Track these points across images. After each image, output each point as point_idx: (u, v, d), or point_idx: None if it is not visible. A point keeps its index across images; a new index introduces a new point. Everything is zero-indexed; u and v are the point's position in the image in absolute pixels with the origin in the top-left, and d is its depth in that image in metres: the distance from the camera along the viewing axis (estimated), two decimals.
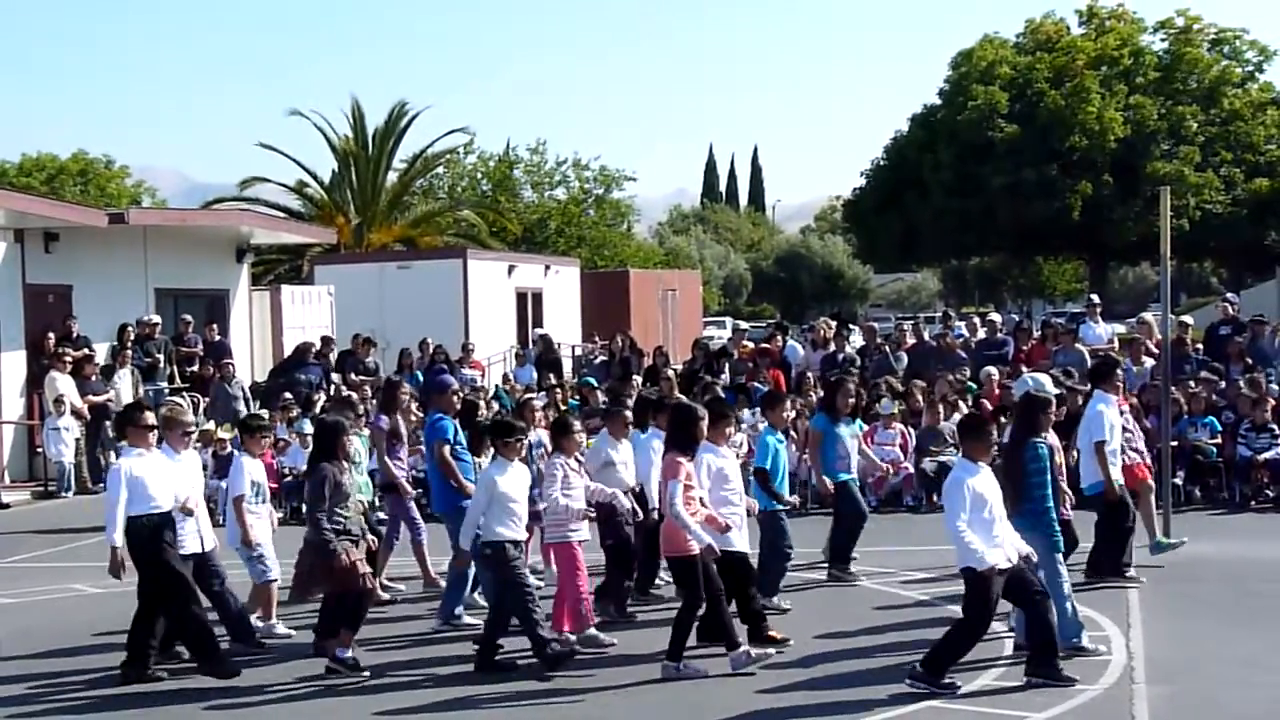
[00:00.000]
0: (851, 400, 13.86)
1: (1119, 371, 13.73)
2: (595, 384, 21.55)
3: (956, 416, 18.36)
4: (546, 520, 11.16)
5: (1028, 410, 10.44)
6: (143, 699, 9.89)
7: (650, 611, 12.03)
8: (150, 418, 10.72)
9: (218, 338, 25.51)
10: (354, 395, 17.67)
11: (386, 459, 13.33)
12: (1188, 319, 22.77)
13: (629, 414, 12.46)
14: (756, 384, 20.95)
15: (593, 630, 10.98)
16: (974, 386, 20.28)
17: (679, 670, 9.95)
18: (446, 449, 12.34)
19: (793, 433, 16.02)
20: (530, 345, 29.56)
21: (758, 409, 16.50)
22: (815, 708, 9.20)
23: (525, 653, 10.34)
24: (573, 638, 10.79)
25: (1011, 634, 10.36)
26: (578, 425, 11.69)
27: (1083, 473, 12.97)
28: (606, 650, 10.79)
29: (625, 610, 11.97)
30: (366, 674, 10.25)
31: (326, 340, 25.91)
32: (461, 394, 13.72)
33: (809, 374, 21.36)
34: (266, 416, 14.85)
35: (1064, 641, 9.78)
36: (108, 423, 21.22)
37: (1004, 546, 9.37)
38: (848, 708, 9.12)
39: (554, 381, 24.02)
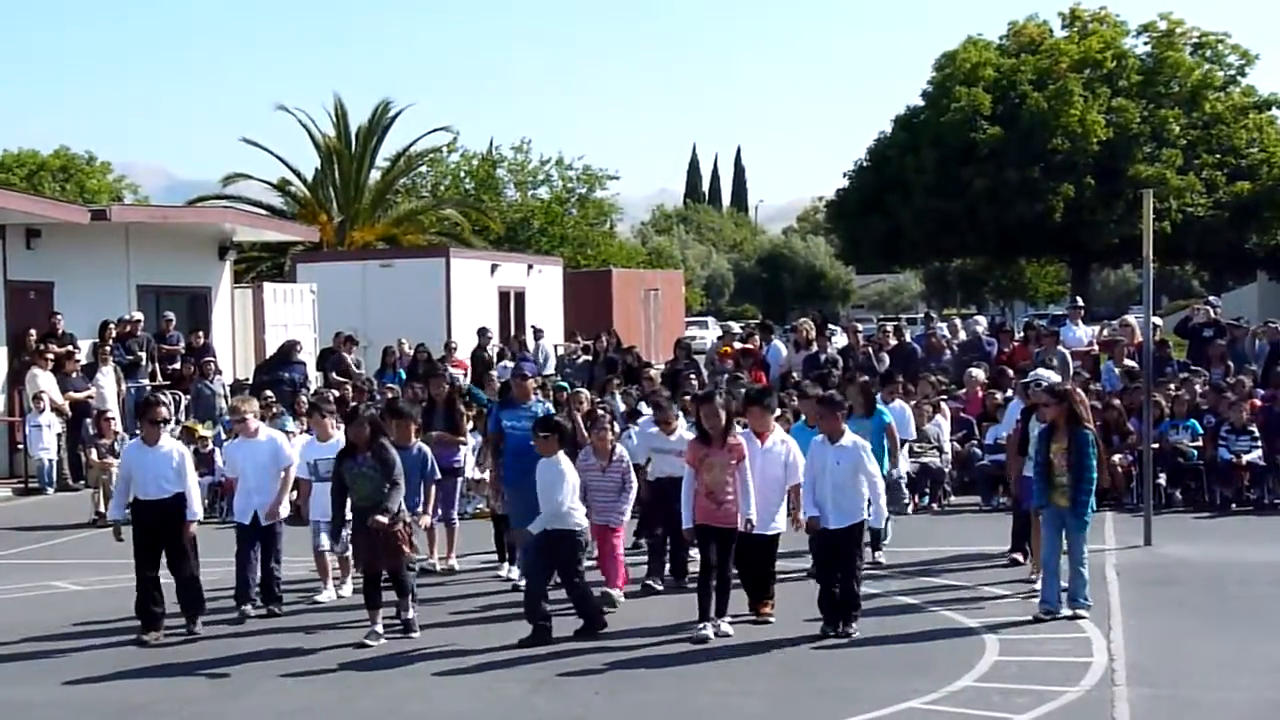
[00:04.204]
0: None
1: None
2: (568, 386, 21.51)
3: (939, 418, 18.43)
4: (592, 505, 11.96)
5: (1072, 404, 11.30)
6: (123, 691, 9.87)
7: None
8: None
9: (202, 342, 25.44)
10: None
11: None
12: (1157, 321, 22.81)
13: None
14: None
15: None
16: (954, 386, 20.30)
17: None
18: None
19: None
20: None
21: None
22: (796, 705, 9.22)
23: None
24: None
25: (991, 633, 10.40)
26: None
27: None
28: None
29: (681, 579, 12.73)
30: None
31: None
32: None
33: (793, 374, 21.32)
34: (331, 398, 15.07)
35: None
36: (88, 420, 21.13)
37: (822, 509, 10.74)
38: (828, 706, 9.15)
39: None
